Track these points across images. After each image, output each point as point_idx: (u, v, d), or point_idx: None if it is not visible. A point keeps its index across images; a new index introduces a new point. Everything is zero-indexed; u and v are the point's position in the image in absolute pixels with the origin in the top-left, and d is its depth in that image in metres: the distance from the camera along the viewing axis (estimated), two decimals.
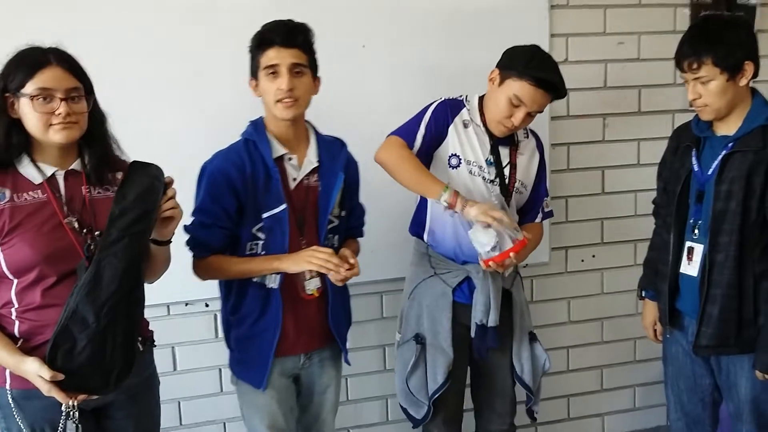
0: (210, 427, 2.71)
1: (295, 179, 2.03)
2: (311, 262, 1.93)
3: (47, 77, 1.64)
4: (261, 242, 2.02)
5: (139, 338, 1.83)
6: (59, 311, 1.62)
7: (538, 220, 2.39)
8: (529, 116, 2.18)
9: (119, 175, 1.77)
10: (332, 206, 2.06)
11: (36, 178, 1.69)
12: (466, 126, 2.22)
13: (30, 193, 1.68)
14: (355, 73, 2.56)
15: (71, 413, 1.66)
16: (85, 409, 1.73)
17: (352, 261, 1.98)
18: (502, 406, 2.40)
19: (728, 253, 2.03)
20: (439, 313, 2.26)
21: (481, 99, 2.26)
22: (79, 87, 1.69)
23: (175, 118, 2.46)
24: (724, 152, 2.05)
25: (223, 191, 1.97)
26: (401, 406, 2.35)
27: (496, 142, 2.24)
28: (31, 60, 1.65)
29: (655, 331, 2.40)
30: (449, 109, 2.22)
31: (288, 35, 1.94)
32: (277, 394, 2.09)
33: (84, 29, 2.29)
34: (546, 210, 2.41)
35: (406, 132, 2.19)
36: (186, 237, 2.02)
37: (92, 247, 1.67)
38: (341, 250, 2.03)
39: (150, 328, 1.94)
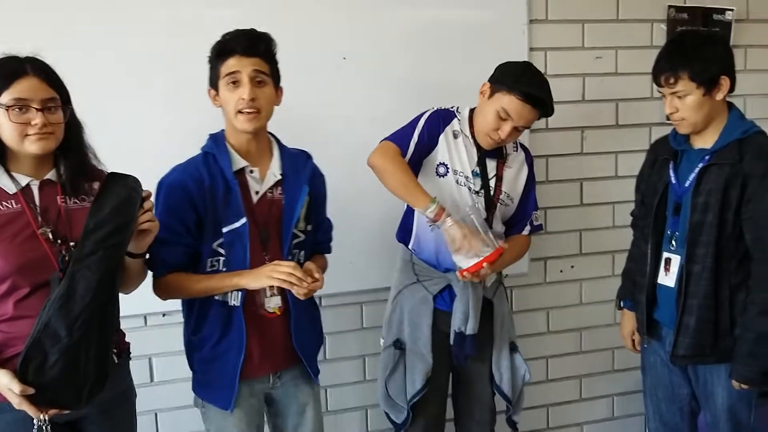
0: None
1: (257, 192, 1.97)
2: (273, 276, 1.85)
3: (23, 87, 1.62)
4: (222, 258, 1.95)
5: (115, 350, 1.81)
6: (32, 323, 1.59)
7: (525, 232, 2.40)
8: (516, 131, 2.19)
9: (96, 185, 1.76)
10: (296, 220, 1.99)
11: (10, 188, 1.67)
12: (455, 136, 2.24)
13: (4, 203, 1.66)
14: (335, 85, 2.55)
15: (43, 427, 1.63)
16: (58, 423, 1.69)
17: (316, 275, 1.91)
18: (481, 415, 2.41)
19: (705, 265, 2.06)
20: (420, 320, 2.28)
21: (472, 111, 2.29)
22: (56, 97, 1.67)
23: (155, 130, 2.44)
24: (700, 165, 2.08)
25: (182, 205, 1.90)
26: (384, 412, 2.36)
27: (484, 154, 2.26)
28: (7, 70, 1.63)
29: (633, 341, 2.42)
30: (441, 119, 2.24)
31: (250, 44, 1.89)
32: (245, 415, 2.01)
33: (63, 38, 2.28)
34: (535, 223, 2.42)
35: (400, 139, 2.19)
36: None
37: (67, 258, 1.65)
38: (305, 263, 1.98)
39: (127, 339, 1.92)
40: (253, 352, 1.97)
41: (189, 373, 2.58)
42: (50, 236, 1.67)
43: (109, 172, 1.78)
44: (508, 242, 2.29)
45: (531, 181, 2.38)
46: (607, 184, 3.00)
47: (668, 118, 2.14)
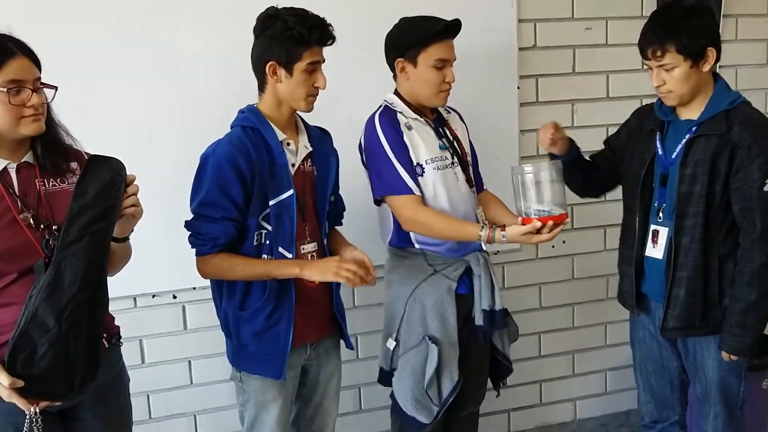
0: (180, 420, 2.69)
1: (293, 165, 2.02)
2: (340, 275, 1.92)
3: (16, 68, 1.57)
4: (265, 231, 1.98)
5: (105, 335, 1.77)
6: (17, 311, 1.56)
7: (491, 187, 2.47)
8: (452, 68, 2.24)
9: (74, 165, 1.73)
10: (330, 191, 2.09)
11: None
12: (409, 128, 2.24)
13: None
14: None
15: (34, 419, 1.59)
16: (50, 412, 1.67)
17: (373, 273, 2.00)
18: (476, 388, 2.41)
19: (693, 236, 2.05)
20: (446, 310, 2.25)
21: (397, 94, 2.29)
22: (40, 77, 1.64)
23: (140, 112, 2.42)
24: (687, 136, 2.07)
25: (231, 180, 1.91)
26: (403, 416, 2.28)
27: (435, 126, 2.29)
28: None
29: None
30: (390, 123, 2.22)
31: (327, 35, 1.96)
32: (284, 387, 2.06)
33: (45, 20, 2.25)
34: (483, 180, 2.48)
35: (398, 185, 2.18)
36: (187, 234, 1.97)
37: (50, 242, 1.61)
38: (358, 256, 2.03)
39: (116, 323, 1.89)
40: (298, 320, 2.02)
41: (180, 354, 2.63)
42: (31, 222, 1.63)
43: (87, 156, 1.74)
44: (487, 200, 2.41)
45: (469, 137, 2.44)
46: None
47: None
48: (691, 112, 2.10)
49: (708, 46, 2.01)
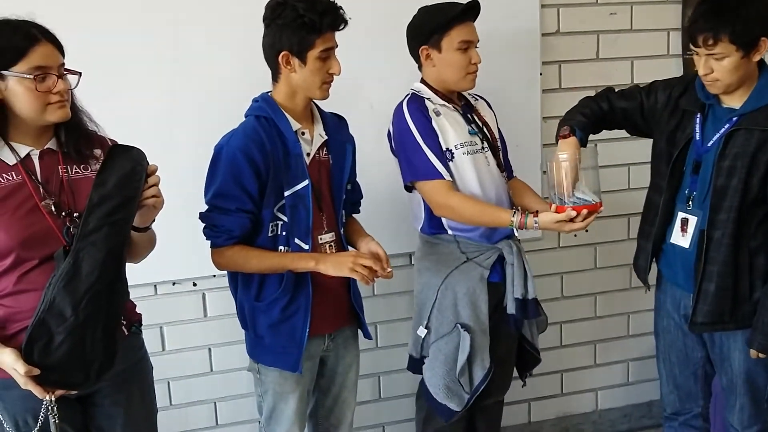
0: (200, 407, 2.70)
1: (308, 154, 2.00)
2: (356, 271, 1.90)
3: (41, 54, 1.57)
4: (281, 222, 1.97)
5: (125, 322, 1.78)
6: (36, 297, 1.56)
7: (515, 174, 2.45)
8: (476, 50, 2.24)
9: (98, 152, 1.72)
10: (346, 179, 2.07)
11: (10, 159, 1.62)
12: (438, 114, 2.23)
13: (3, 175, 1.61)
14: (340, 44, 2.49)
15: (51, 407, 1.59)
16: (70, 398, 1.67)
17: (389, 269, 1.98)
18: (503, 377, 2.40)
19: (725, 231, 2.00)
20: (478, 298, 2.24)
21: (424, 82, 2.28)
22: (64, 63, 1.63)
23: (160, 102, 2.42)
24: (727, 126, 2.01)
25: (245, 171, 1.89)
26: (433, 403, 2.28)
27: (463, 112, 2.29)
28: (20, 36, 1.57)
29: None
30: (419, 109, 2.21)
31: (340, 19, 1.93)
32: (302, 378, 2.05)
33: (67, 7, 2.25)
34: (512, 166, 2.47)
35: (428, 170, 2.17)
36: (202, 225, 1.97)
37: (71, 230, 1.61)
38: (374, 249, 2.02)
39: (137, 310, 1.89)
40: (315, 311, 2.00)
41: (201, 342, 2.64)
42: (53, 209, 1.63)
43: (111, 143, 1.75)
44: (517, 188, 2.39)
45: (498, 125, 2.43)
46: (622, 146, 2.93)
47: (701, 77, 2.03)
48: (734, 100, 2.03)
49: (762, 36, 1.93)
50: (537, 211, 2.10)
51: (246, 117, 2.00)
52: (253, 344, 2.07)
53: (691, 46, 2.00)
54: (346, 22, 1.94)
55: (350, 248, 2.14)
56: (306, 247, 1.97)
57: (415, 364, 2.35)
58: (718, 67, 1.95)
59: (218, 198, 1.93)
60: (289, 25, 1.89)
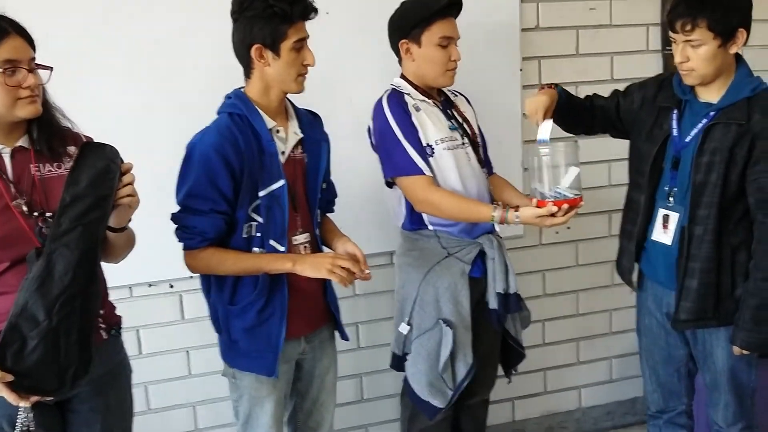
0: (179, 411, 2.65)
1: (283, 153, 1.95)
2: (334, 272, 1.85)
3: (11, 48, 1.53)
4: (255, 223, 1.91)
5: (103, 325, 1.74)
6: (9, 300, 1.52)
7: (495, 170, 2.43)
8: (456, 47, 2.22)
9: (71, 149, 1.68)
10: (322, 178, 2.03)
11: None
12: (417, 110, 2.21)
13: None
14: (319, 40, 2.47)
15: (27, 414, 1.55)
16: (47, 404, 1.63)
17: (366, 270, 1.94)
18: (487, 375, 2.39)
19: (707, 227, 2.00)
20: (459, 294, 2.22)
21: (404, 78, 2.26)
22: (35, 57, 1.59)
23: (135, 98, 2.37)
24: (705, 121, 2.01)
25: (219, 171, 1.83)
26: (416, 401, 2.26)
27: (444, 107, 2.28)
28: None
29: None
30: (399, 105, 2.20)
31: (309, 6, 1.89)
32: (278, 382, 2.01)
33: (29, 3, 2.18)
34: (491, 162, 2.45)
35: (408, 166, 2.15)
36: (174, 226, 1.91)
37: (44, 230, 1.57)
38: (351, 250, 1.99)
39: (117, 313, 1.84)
40: (291, 314, 1.96)
41: (179, 345, 2.59)
42: (24, 209, 1.59)
43: (86, 139, 1.71)
44: (498, 183, 2.38)
45: (477, 121, 2.41)
46: (603, 142, 2.88)
47: (676, 68, 2.04)
48: (711, 94, 2.03)
49: (739, 26, 1.93)
50: (518, 206, 2.09)
51: (219, 114, 1.94)
52: (227, 348, 2.02)
53: (670, 34, 2.01)
54: (316, 11, 1.90)
55: (325, 248, 2.10)
56: (282, 248, 1.92)
57: (398, 362, 2.33)
58: (694, 55, 1.96)
59: (191, 199, 1.87)
60: (259, 17, 1.84)
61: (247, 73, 1.93)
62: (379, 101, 2.22)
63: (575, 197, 1.99)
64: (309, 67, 1.92)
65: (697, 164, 2.00)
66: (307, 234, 2.01)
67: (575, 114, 2.28)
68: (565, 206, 1.97)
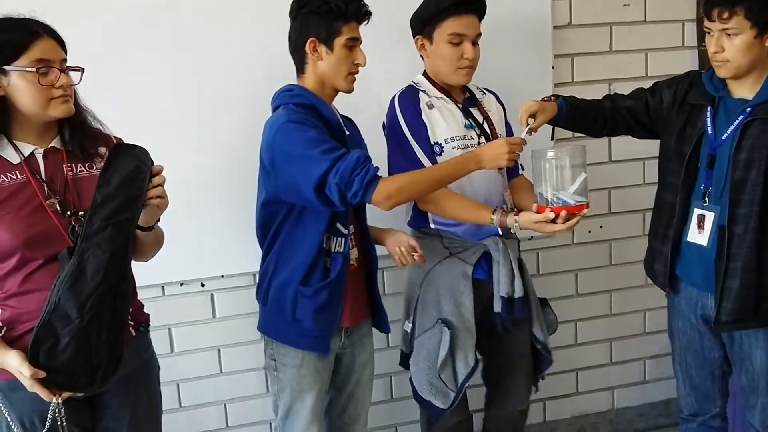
0: (210, 409, 2.67)
1: None
2: (512, 157, 1.95)
3: (43, 48, 1.56)
4: None
5: (132, 323, 1.76)
6: (42, 297, 1.55)
7: (521, 172, 2.40)
8: (475, 45, 2.18)
9: (102, 150, 1.70)
10: None
11: (14, 158, 1.61)
12: (430, 107, 2.20)
13: (8, 174, 1.60)
14: None
15: (57, 409, 1.58)
16: (77, 399, 1.65)
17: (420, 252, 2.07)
18: (517, 385, 2.36)
19: (748, 226, 1.96)
20: (461, 294, 2.20)
21: (425, 75, 2.25)
22: (66, 58, 1.62)
23: (165, 101, 2.39)
24: (741, 117, 1.97)
25: (319, 127, 1.89)
26: (420, 401, 2.25)
27: (464, 105, 2.25)
28: (22, 31, 1.56)
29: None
30: (410, 101, 2.19)
31: (364, 7, 1.96)
32: (322, 375, 2.05)
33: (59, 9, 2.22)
34: (520, 161, 2.34)
35: (412, 162, 2.13)
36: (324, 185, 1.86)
37: (77, 229, 1.60)
38: (403, 237, 2.09)
39: (145, 311, 1.87)
40: (345, 301, 2.02)
41: (210, 343, 2.61)
42: (58, 208, 1.62)
43: (116, 141, 1.73)
44: (518, 185, 2.34)
45: (506, 119, 2.38)
46: (636, 140, 2.88)
47: (709, 59, 1.99)
48: (745, 90, 1.99)
49: None
50: (520, 211, 2.06)
51: (279, 106, 1.96)
52: (285, 329, 2.02)
53: (705, 23, 1.97)
54: (370, 14, 1.97)
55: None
56: (345, 232, 1.98)
57: (405, 360, 2.34)
58: (729, 45, 1.92)
59: (326, 147, 1.84)
60: (315, 12, 1.91)
61: (301, 68, 1.99)
62: (393, 97, 2.23)
63: (579, 204, 1.94)
64: (360, 68, 1.98)
65: (736, 162, 1.96)
66: (352, 226, 2.06)
67: (592, 118, 2.24)
68: (564, 213, 1.93)
